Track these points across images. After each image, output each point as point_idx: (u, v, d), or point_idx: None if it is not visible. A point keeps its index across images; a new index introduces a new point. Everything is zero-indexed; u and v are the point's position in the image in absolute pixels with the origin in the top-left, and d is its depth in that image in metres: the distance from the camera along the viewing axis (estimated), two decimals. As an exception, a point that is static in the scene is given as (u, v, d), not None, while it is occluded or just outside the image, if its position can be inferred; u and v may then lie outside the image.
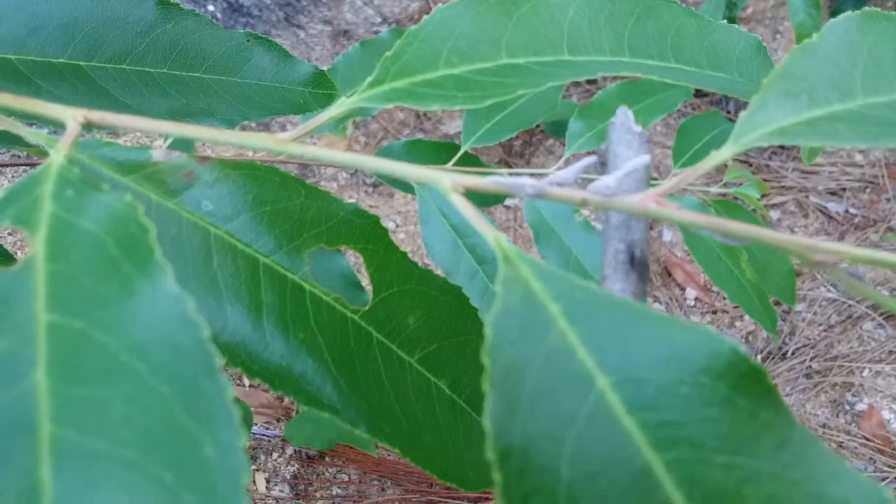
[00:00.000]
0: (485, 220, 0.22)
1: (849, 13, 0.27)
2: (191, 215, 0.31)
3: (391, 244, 0.36)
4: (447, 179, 0.24)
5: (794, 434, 0.19)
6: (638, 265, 0.27)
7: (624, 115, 0.30)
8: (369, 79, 0.28)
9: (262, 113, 0.52)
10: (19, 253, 1.47)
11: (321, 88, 0.55)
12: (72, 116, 0.27)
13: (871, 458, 1.54)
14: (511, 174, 1.20)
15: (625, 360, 0.19)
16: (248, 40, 0.53)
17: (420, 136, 2.11)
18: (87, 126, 0.27)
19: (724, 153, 0.24)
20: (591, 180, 0.26)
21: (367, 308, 0.34)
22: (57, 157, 0.24)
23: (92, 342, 0.20)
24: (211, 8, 2.24)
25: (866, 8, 0.28)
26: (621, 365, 0.19)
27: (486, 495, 1.47)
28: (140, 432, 0.18)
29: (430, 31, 0.30)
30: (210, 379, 0.19)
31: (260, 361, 0.30)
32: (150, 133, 0.28)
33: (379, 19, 2.43)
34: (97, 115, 0.27)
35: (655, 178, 1.26)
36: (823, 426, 1.60)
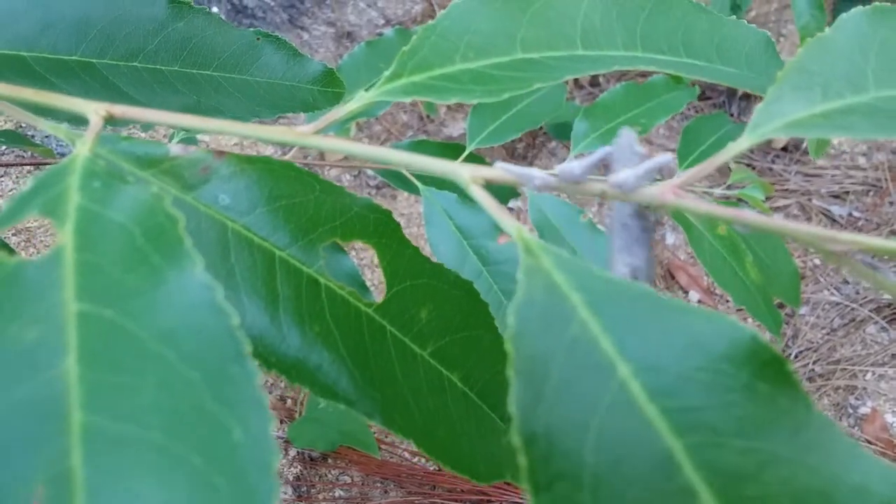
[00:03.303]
0: (506, 211, 0.23)
1: (859, 8, 0.27)
2: (208, 209, 0.31)
3: (404, 239, 0.37)
4: (466, 172, 0.24)
5: (811, 420, 0.19)
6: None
7: (628, 137, 0.30)
8: (386, 73, 0.29)
9: (272, 110, 0.52)
10: (24, 253, 1.47)
11: (330, 86, 0.55)
12: (94, 111, 0.27)
13: (873, 460, 1.54)
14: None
15: (646, 348, 0.20)
16: (259, 39, 0.53)
17: (423, 137, 2.12)
18: (109, 120, 0.28)
19: (741, 143, 0.24)
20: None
21: (380, 302, 0.35)
22: (82, 149, 0.24)
23: (121, 330, 0.20)
24: (215, 9, 2.24)
25: (876, 3, 0.28)
26: (643, 353, 0.20)
27: (488, 497, 1.47)
28: (170, 418, 0.19)
29: (447, 25, 0.30)
30: (239, 365, 0.19)
31: (277, 354, 0.31)
32: (172, 126, 0.28)
33: (382, 21, 2.44)
34: (119, 110, 0.27)
35: (659, 179, 1.26)
36: (826, 428, 1.60)
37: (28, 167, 1.53)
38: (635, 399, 0.19)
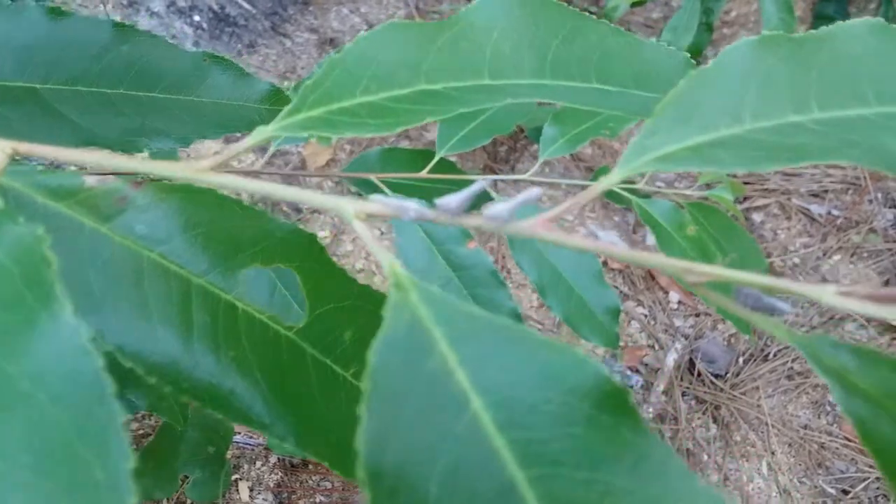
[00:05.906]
0: (382, 246, 0.24)
1: (745, 38, 0.28)
2: (123, 239, 0.32)
3: (329, 262, 0.37)
4: (350, 207, 0.25)
5: (652, 451, 0.20)
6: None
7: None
8: (288, 107, 0.29)
9: (219, 131, 0.53)
10: None
11: (278, 105, 0.56)
12: (0, 149, 0.28)
13: (852, 459, 1.56)
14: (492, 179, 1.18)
15: (500, 381, 0.20)
16: (206, 60, 0.54)
17: (405, 143, 2.13)
18: (16, 157, 0.28)
19: (611, 178, 0.25)
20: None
21: (301, 325, 0.35)
22: (-22, 189, 0.25)
23: (-2, 370, 0.21)
24: (197, 18, 2.24)
25: (765, 32, 0.29)
26: (496, 386, 0.20)
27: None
28: (38, 457, 0.20)
29: (352, 59, 0.31)
30: (103, 406, 0.20)
31: (189, 380, 0.31)
32: (76, 164, 0.29)
33: (365, 27, 2.45)
34: (25, 147, 0.28)
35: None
36: (805, 427, 1.61)
37: None
38: (485, 431, 0.20)
